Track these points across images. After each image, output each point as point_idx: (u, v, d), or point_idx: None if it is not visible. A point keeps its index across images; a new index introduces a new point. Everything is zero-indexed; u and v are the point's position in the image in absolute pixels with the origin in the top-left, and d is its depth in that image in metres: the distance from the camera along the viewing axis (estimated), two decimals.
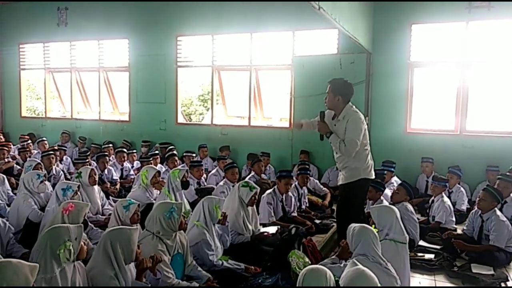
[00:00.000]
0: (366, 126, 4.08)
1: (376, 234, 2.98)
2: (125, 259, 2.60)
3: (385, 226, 3.33)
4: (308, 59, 7.46)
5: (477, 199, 4.60)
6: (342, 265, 2.86)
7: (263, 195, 4.91)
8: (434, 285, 3.87)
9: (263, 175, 6.45)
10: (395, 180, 6.23)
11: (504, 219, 4.37)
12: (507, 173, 5.39)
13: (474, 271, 4.00)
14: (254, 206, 4.40)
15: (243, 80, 8.30)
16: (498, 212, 4.39)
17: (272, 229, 4.28)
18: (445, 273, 4.07)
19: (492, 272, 4.00)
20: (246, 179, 5.70)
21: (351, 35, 5.50)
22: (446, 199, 5.17)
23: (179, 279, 3.06)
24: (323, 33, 7.51)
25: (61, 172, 6.44)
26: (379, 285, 2.11)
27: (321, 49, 7.56)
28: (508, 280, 3.90)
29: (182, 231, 3.35)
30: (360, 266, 2.17)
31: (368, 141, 4.14)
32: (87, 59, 9.69)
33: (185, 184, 4.80)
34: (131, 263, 2.69)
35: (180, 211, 3.20)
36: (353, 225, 3.01)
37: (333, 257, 3.17)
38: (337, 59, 7.21)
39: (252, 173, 6.37)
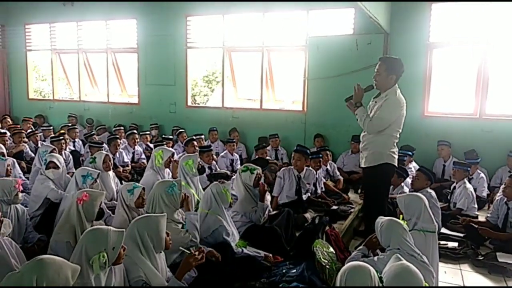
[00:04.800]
0: (404, 114, 3.97)
1: (405, 227, 2.87)
2: (154, 247, 2.52)
3: (413, 215, 3.21)
4: (322, 39, 7.23)
5: (503, 186, 4.47)
6: (376, 258, 2.75)
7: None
8: (460, 275, 3.78)
9: (268, 158, 6.41)
10: (413, 166, 6.09)
11: None
12: None
13: (500, 260, 3.91)
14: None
15: (255, 62, 8.09)
16: None
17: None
18: (470, 262, 3.99)
19: None
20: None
21: (371, 14, 5.28)
22: (468, 185, 5.05)
23: None
24: (339, 12, 7.27)
25: (70, 156, 6.32)
26: (423, 281, 2.00)
27: (336, 29, 7.31)
28: None
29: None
30: (404, 261, 2.06)
31: (400, 130, 4.01)
32: (94, 40, 9.48)
33: (201, 170, 4.73)
34: (161, 252, 2.61)
35: (181, 186, 3.26)
36: (380, 219, 2.90)
37: (360, 248, 3.06)
38: (353, 40, 6.99)
39: (256, 156, 6.29)
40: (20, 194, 3.46)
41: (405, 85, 6.76)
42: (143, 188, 3.64)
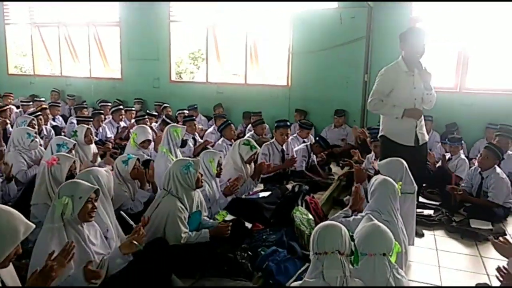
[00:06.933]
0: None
1: (397, 189, 2.92)
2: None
3: (395, 179, 3.27)
4: (307, 13, 7.20)
5: (478, 157, 4.60)
6: (352, 219, 2.85)
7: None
8: (433, 240, 3.93)
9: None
10: None
11: (504, 176, 4.40)
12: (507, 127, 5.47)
13: (472, 226, 4.07)
14: (252, 164, 4.37)
15: (239, 36, 8.03)
16: (498, 170, 4.42)
17: (265, 194, 4.23)
18: (444, 228, 4.14)
19: (490, 227, 4.07)
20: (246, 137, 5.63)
21: None
22: (463, 156, 5.26)
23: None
24: None
25: (52, 131, 6.27)
26: (393, 240, 2.09)
27: (320, 3, 7.26)
28: (506, 235, 3.96)
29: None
30: (376, 221, 2.15)
31: None
32: (75, 13, 9.24)
33: (183, 143, 4.78)
34: None
35: (198, 167, 3.16)
36: (379, 176, 2.99)
37: (345, 209, 3.17)
38: (337, 14, 6.98)
39: (251, 132, 6.29)
40: None
41: (389, 59, 6.78)
42: (138, 159, 3.70)
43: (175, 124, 5.25)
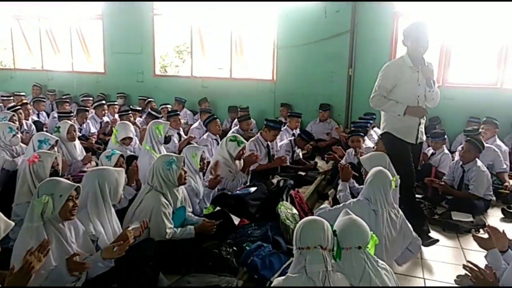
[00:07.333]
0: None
1: (391, 182, 2.96)
2: (111, 199, 2.69)
3: None
4: (292, 7, 7.18)
5: (460, 150, 4.68)
6: (331, 208, 2.93)
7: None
8: None
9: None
10: (374, 131, 6.24)
11: (485, 169, 4.50)
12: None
13: (454, 218, 4.15)
14: (242, 160, 4.38)
15: (224, 30, 7.98)
16: (479, 163, 4.51)
17: (251, 189, 4.23)
18: (427, 221, 4.19)
19: (471, 219, 4.15)
20: (230, 132, 5.63)
21: None
22: (446, 151, 5.30)
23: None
24: None
25: (32, 126, 6.16)
26: (369, 233, 2.12)
27: None
28: (485, 226, 4.01)
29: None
30: (352, 215, 2.18)
31: None
32: (56, 6, 9.04)
33: (167, 139, 4.76)
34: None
35: (181, 164, 3.14)
36: (378, 168, 3.03)
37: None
38: (322, 8, 6.98)
39: (237, 126, 6.27)
40: None
41: (373, 53, 6.97)
42: (121, 155, 3.67)
43: (158, 120, 5.18)
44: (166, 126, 4.69)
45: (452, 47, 6.69)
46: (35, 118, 6.94)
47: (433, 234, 3.93)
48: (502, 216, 4.37)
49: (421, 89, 3.54)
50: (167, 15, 8.33)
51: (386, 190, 2.92)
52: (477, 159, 4.50)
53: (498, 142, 5.51)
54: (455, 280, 2.95)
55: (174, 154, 3.33)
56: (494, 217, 4.40)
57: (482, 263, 2.79)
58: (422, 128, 3.68)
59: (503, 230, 2.60)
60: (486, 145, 4.81)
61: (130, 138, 4.82)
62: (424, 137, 3.83)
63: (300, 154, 5.60)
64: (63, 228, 2.31)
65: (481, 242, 2.60)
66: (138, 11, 8.26)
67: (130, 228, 2.56)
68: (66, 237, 2.30)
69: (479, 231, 3.96)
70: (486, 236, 2.62)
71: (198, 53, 8.47)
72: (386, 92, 3.57)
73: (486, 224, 4.08)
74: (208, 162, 4.34)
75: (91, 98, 7.96)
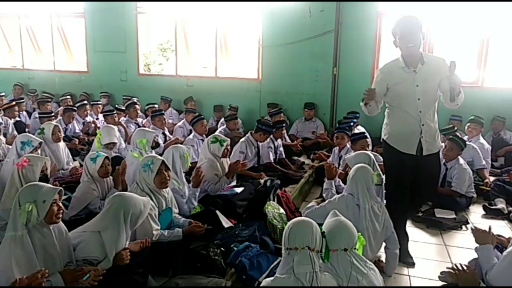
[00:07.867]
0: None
1: (372, 177, 3.04)
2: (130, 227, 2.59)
3: None
4: (277, 6, 7.19)
5: (443, 148, 4.76)
6: (317, 207, 2.97)
7: (236, 145, 4.98)
8: None
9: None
10: (358, 129, 6.29)
11: (466, 167, 4.59)
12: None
13: (437, 215, 4.23)
14: (228, 158, 4.38)
15: (209, 29, 7.94)
16: (461, 161, 4.60)
17: (238, 190, 4.24)
18: (410, 218, 4.25)
19: (454, 216, 4.24)
20: (217, 132, 5.61)
21: None
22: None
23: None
24: None
25: (9, 121, 6.03)
26: (356, 235, 2.16)
27: None
28: (468, 223, 4.14)
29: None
30: (340, 217, 2.21)
31: None
32: (37, 3, 8.86)
33: (155, 147, 4.78)
34: None
35: (157, 167, 3.10)
36: (360, 164, 3.10)
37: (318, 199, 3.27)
38: (306, 7, 7.01)
39: (224, 126, 6.26)
40: None
41: (357, 52, 7.04)
42: (107, 157, 3.61)
43: (144, 128, 5.00)
44: (151, 136, 4.54)
45: (433, 46, 6.79)
46: (17, 119, 6.79)
47: (417, 231, 4.03)
48: (483, 212, 4.47)
49: (421, 90, 3.09)
50: (151, 13, 8.24)
51: (369, 184, 3.00)
52: (459, 157, 4.59)
53: (482, 140, 5.62)
54: (439, 277, 3.00)
55: (156, 156, 3.26)
56: (475, 213, 4.50)
57: (464, 260, 2.87)
58: (429, 138, 3.11)
59: (490, 226, 2.67)
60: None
61: (114, 143, 4.72)
62: (436, 148, 3.20)
63: (283, 154, 5.61)
64: (48, 232, 2.28)
65: (478, 236, 2.62)
66: (121, 8, 8.17)
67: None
68: (52, 240, 2.27)
69: (461, 228, 4.05)
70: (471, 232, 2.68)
71: (182, 52, 8.42)
72: (381, 97, 3.22)
73: (468, 220, 4.21)
74: (194, 163, 4.32)
75: (68, 97, 7.85)
